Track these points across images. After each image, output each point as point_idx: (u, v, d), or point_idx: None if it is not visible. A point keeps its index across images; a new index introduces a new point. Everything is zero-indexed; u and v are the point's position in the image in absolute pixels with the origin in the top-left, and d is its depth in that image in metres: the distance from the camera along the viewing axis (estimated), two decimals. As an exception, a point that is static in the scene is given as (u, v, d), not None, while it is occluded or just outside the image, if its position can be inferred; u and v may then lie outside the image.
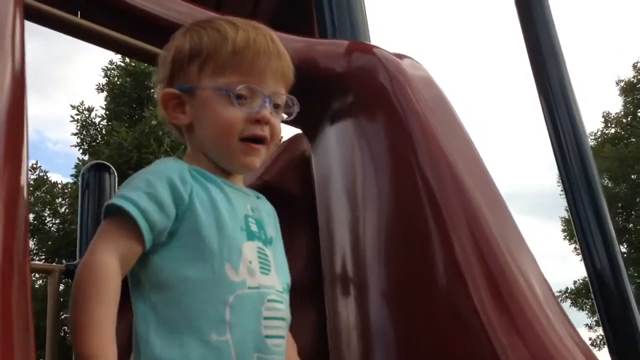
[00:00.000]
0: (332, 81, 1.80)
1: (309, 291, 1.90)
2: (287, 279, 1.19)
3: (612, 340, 2.94)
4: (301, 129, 2.07)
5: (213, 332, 1.02)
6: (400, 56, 1.79)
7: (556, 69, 3.54)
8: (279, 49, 1.20)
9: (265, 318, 1.07)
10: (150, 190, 1.05)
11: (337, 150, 1.83)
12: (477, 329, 1.30)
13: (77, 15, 1.97)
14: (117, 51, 2.38)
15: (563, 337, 1.29)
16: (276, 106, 1.20)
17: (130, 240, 1.03)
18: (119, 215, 1.03)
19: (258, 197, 1.27)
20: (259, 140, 1.16)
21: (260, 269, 1.10)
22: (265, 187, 1.66)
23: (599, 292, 3.03)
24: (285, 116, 1.24)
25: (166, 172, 1.09)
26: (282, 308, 1.12)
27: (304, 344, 1.33)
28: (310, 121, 1.86)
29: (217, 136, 1.16)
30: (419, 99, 1.62)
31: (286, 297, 1.15)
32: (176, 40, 1.23)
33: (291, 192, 2.08)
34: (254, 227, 1.15)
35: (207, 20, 1.24)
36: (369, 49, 1.81)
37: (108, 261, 0.99)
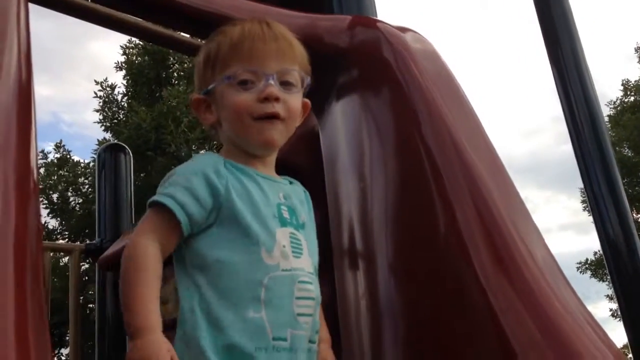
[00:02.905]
0: (336, 56, 1.81)
1: (320, 264, 1.93)
2: (316, 261, 1.30)
3: (625, 310, 2.94)
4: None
5: (250, 309, 1.14)
6: (404, 30, 1.78)
7: (568, 36, 3.49)
8: (275, 32, 1.28)
9: (297, 298, 1.19)
10: (187, 184, 1.18)
11: (343, 125, 1.85)
12: (481, 302, 1.32)
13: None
14: (128, 34, 2.41)
15: (568, 308, 1.31)
16: (287, 83, 1.27)
17: (168, 229, 1.16)
18: (160, 208, 1.17)
19: (291, 183, 1.38)
20: (271, 116, 1.24)
21: (292, 253, 1.21)
22: (277, 164, 1.69)
23: (613, 262, 3.02)
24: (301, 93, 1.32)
25: (201, 166, 1.22)
26: (312, 288, 1.23)
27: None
28: (317, 97, 1.87)
29: (234, 121, 1.26)
30: (423, 72, 1.63)
31: (315, 278, 1.26)
32: (198, 54, 1.37)
33: (301, 167, 2.09)
34: (286, 214, 1.25)
35: (217, 30, 1.35)
36: (372, 23, 1.81)
37: (147, 243, 1.13)
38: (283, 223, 1.23)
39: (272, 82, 1.24)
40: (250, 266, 1.16)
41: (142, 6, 1.84)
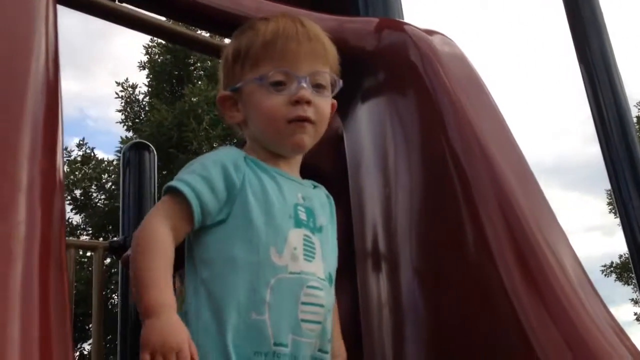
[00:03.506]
0: (362, 59, 1.80)
1: (342, 268, 1.93)
2: (331, 267, 1.25)
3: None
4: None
5: (253, 311, 1.10)
6: (432, 33, 1.77)
7: (597, 36, 3.43)
8: (309, 32, 1.25)
9: (303, 303, 1.14)
10: (204, 173, 1.16)
11: (368, 128, 1.83)
12: (506, 309, 1.30)
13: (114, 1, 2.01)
14: (152, 34, 2.43)
15: (595, 318, 1.28)
16: (319, 86, 1.25)
17: (181, 215, 1.13)
18: (175, 194, 1.14)
19: (315, 187, 1.34)
20: (303, 120, 1.22)
21: (304, 256, 1.17)
22: (301, 166, 1.69)
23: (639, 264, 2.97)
24: (330, 95, 1.29)
25: (221, 158, 1.20)
26: (322, 295, 1.18)
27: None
28: (342, 99, 1.86)
29: (265, 123, 1.24)
30: (450, 76, 1.61)
31: (327, 284, 1.21)
32: (226, 49, 1.33)
33: (325, 170, 2.09)
34: (302, 216, 1.21)
35: (248, 24, 1.32)
36: (399, 26, 1.80)
37: (159, 225, 1.11)
38: (298, 224, 1.20)
39: (304, 84, 1.21)
40: (258, 266, 1.12)
41: (172, 8, 1.85)
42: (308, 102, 1.21)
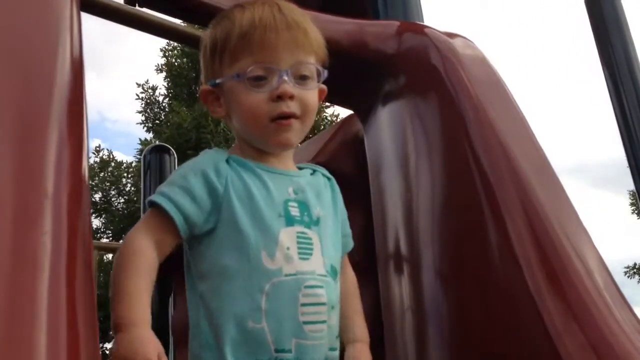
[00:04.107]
0: (383, 63, 1.79)
1: (363, 270, 1.92)
2: (334, 259, 1.18)
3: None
4: (353, 110, 2.07)
5: (250, 319, 1.06)
6: (452, 35, 1.76)
7: (620, 37, 3.39)
8: (287, 19, 1.16)
9: (303, 304, 1.09)
10: (184, 183, 1.11)
11: (389, 131, 1.83)
12: (531, 313, 1.28)
13: (134, 5, 2.02)
14: (172, 39, 2.45)
15: (621, 323, 1.26)
16: (302, 77, 1.17)
17: (165, 228, 1.09)
18: (157, 208, 1.10)
19: (313, 173, 1.26)
20: (287, 116, 1.15)
21: (299, 255, 1.11)
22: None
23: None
24: (318, 86, 1.21)
25: (201, 165, 1.14)
26: (322, 293, 1.11)
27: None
28: (362, 102, 1.87)
29: (247, 122, 1.17)
30: (471, 79, 1.60)
31: (330, 279, 1.15)
32: (203, 39, 1.26)
33: (345, 173, 2.08)
34: (294, 212, 1.15)
35: (224, 12, 1.24)
36: (420, 29, 1.79)
37: (141, 241, 1.07)
38: (290, 222, 1.13)
39: (285, 78, 1.13)
40: (251, 273, 1.07)
41: (193, 13, 1.85)
42: (291, 97, 1.13)
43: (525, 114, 1.67)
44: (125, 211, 16.51)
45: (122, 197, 17.19)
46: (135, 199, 16.10)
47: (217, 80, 1.19)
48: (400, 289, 1.72)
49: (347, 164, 2.10)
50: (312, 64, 1.18)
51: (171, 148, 4.28)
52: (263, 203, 1.12)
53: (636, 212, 21.02)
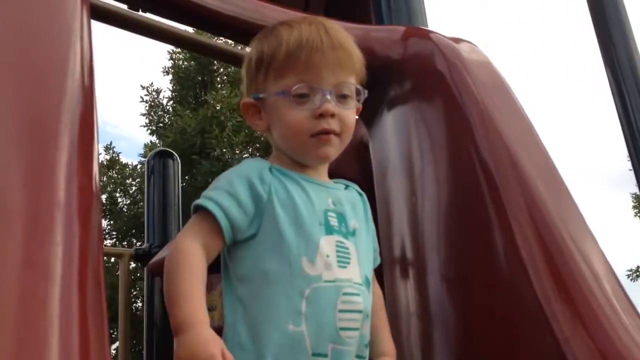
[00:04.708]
0: (388, 68, 1.80)
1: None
2: (368, 270, 1.24)
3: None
4: (358, 116, 2.07)
5: (290, 322, 1.09)
6: (458, 41, 1.76)
7: (622, 37, 3.38)
8: (333, 40, 1.22)
9: (340, 311, 1.13)
10: (230, 189, 1.16)
11: (394, 137, 1.83)
12: (539, 318, 1.28)
13: (137, 11, 2.03)
14: (176, 45, 2.46)
15: (629, 328, 1.26)
16: (344, 96, 1.23)
17: (211, 232, 1.14)
18: (203, 212, 1.14)
19: (347, 187, 1.33)
20: (327, 133, 1.20)
21: (337, 263, 1.16)
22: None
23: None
24: (357, 104, 1.27)
25: (246, 172, 1.19)
26: (359, 301, 1.16)
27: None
28: (367, 108, 1.86)
29: (289, 137, 1.23)
30: (477, 84, 1.60)
31: (365, 288, 1.19)
32: (249, 52, 1.32)
33: (349, 178, 2.08)
34: (333, 222, 1.20)
35: (271, 28, 1.30)
36: (426, 35, 1.80)
37: (190, 244, 1.11)
38: (329, 231, 1.18)
39: (328, 97, 1.20)
40: (291, 277, 1.11)
41: (197, 18, 1.86)
42: (332, 115, 1.20)
43: (532, 119, 1.67)
44: (130, 213, 16.51)
45: (127, 198, 17.19)
46: (139, 199, 16.10)
47: (260, 95, 1.25)
48: (406, 294, 1.72)
49: (351, 169, 2.10)
50: (353, 84, 1.25)
51: (174, 153, 4.29)
52: (305, 211, 1.17)
53: (639, 215, 20.94)
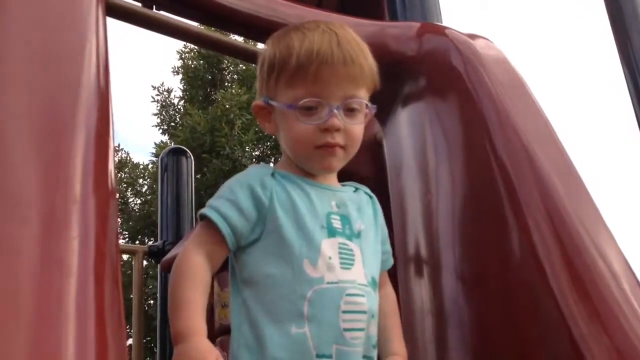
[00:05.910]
0: (403, 65, 1.79)
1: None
2: (374, 271, 1.24)
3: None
4: (371, 112, 2.07)
5: (293, 325, 1.10)
6: (474, 37, 1.75)
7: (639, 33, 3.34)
8: (345, 54, 1.20)
9: (344, 312, 1.13)
10: (231, 196, 1.18)
11: (409, 134, 1.82)
12: (555, 316, 1.27)
13: (151, 9, 2.04)
14: (188, 41, 2.47)
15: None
16: (351, 110, 1.22)
17: (214, 240, 1.16)
18: (207, 221, 1.17)
19: (356, 190, 1.33)
20: (332, 146, 1.20)
21: (340, 264, 1.17)
22: (339, 172, 1.69)
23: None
24: (365, 118, 1.25)
25: (247, 179, 1.21)
26: (363, 302, 1.16)
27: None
28: (382, 104, 1.86)
29: (294, 147, 1.24)
30: (493, 80, 1.59)
31: (370, 289, 1.20)
32: (263, 52, 1.32)
33: (364, 175, 2.08)
34: (337, 224, 1.21)
35: (284, 32, 1.29)
36: (441, 31, 1.79)
37: (194, 256, 1.14)
38: (332, 233, 1.19)
39: (335, 111, 1.19)
40: (294, 280, 1.13)
41: (208, 15, 1.87)
42: (338, 130, 1.20)
43: (550, 115, 1.66)
44: (141, 213, 16.59)
45: (139, 198, 17.28)
46: (150, 199, 16.18)
47: (271, 102, 1.26)
48: (420, 292, 1.71)
49: (365, 167, 2.09)
50: (361, 99, 1.24)
51: (188, 150, 4.30)
52: (306, 214, 1.18)
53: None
